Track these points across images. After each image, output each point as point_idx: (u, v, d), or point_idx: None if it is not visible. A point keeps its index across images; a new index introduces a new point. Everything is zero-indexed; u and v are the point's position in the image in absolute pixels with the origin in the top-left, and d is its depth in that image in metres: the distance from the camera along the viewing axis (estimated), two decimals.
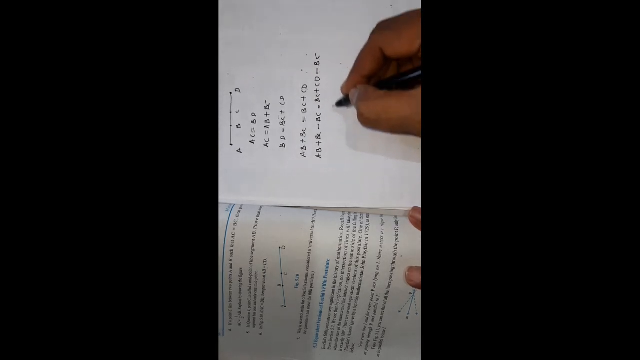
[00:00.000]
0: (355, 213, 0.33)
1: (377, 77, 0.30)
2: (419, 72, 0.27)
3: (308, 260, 0.31)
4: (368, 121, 0.27)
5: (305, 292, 0.33)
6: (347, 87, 0.31)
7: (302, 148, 0.34)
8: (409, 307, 0.33)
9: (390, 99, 0.26)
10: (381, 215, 0.33)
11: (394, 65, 0.30)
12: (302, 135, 0.33)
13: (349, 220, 0.32)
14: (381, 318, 0.34)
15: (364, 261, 0.31)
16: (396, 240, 0.31)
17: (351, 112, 0.33)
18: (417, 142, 0.33)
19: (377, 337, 0.35)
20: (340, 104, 0.32)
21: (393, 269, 0.31)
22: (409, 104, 0.26)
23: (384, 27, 0.28)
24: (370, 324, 0.34)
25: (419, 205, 0.33)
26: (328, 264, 0.32)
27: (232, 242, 0.31)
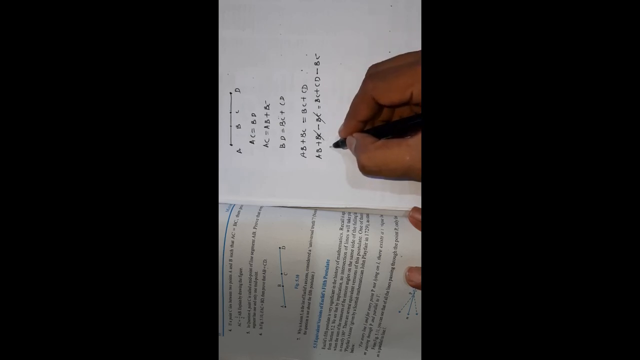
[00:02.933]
0: (355, 213, 0.33)
1: (372, 121, 0.31)
2: (416, 121, 0.27)
3: (308, 261, 0.31)
4: (370, 172, 0.28)
5: (305, 293, 0.33)
6: (344, 132, 0.31)
7: (302, 148, 0.34)
8: (409, 307, 0.33)
9: (389, 150, 0.27)
10: (381, 215, 0.33)
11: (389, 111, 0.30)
12: (302, 135, 0.33)
13: (349, 221, 0.32)
14: (381, 318, 0.34)
15: (364, 261, 0.31)
16: (396, 240, 0.31)
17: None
18: None
19: (377, 338, 0.35)
20: (337, 145, 0.33)
21: (393, 269, 0.31)
22: (408, 153, 0.26)
23: (374, 77, 0.28)
24: (370, 324, 0.34)
25: (419, 205, 0.33)
26: (328, 264, 0.31)
27: (232, 242, 0.31)
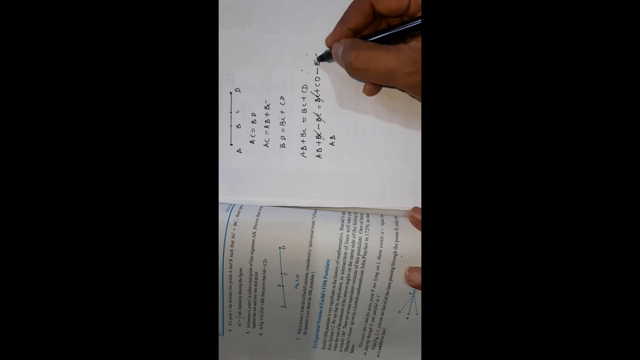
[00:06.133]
0: (355, 213, 0.33)
1: (361, 34, 0.30)
2: (404, 27, 0.27)
3: (308, 261, 0.31)
4: (356, 71, 0.28)
5: (305, 293, 0.33)
6: (331, 39, 0.31)
7: (302, 148, 0.34)
8: (409, 307, 0.33)
9: (378, 50, 0.27)
10: (381, 215, 0.33)
11: (383, 23, 0.30)
12: (302, 135, 0.33)
13: (349, 221, 0.32)
14: (381, 318, 0.34)
15: (364, 261, 0.31)
16: (396, 240, 0.31)
17: (350, 114, 0.33)
18: (417, 137, 0.33)
19: (377, 338, 0.35)
20: (322, 58, 0.32)
21: (393, 269, 0.31)
22: (395, 56, 0.26)
23: None
24: (371, 325, 0.34)
25: (419, 205, 0.33)
26: (328, 264, 0.31)
27: (232, 242, 0.31)
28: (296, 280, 0.32)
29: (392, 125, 0.33)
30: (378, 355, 0.36)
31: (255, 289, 0.33)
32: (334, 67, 0.32)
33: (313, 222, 0.32)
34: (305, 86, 0.33)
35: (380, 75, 0.27)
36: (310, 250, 0.31)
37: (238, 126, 0.34)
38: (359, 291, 0.32)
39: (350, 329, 0.35)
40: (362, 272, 0.32)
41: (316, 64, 0.33)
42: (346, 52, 0.28)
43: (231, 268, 0.32)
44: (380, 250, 0.31)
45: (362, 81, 0.31)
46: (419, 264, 0.31)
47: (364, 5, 0.28)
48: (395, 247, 0.31)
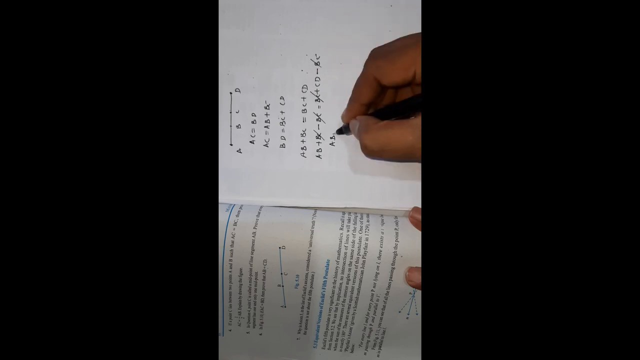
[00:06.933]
0: (355, 213, 0.33)
1: (375, 105, 0.30)
2: (417, 100, 0.27)
3: (308, 261, 0.31)
4: (372, 152, 0.28)
5: (305, 293, 0.33)
6: (347, 117, 0.31)
7: (302, 148, 0.34)
8: (409, 307, 0.33)
9: (392, 130, 0.27)
10: (381, 215, 0.33)
11: (391, 91, 0.30)
12: (302, 135, 0.33)
13: (349, 221, 0.32)
14: (381, 318, 0.34)
15: (364, 261, 0.31)
16: (396, 240, 0.31)
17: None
18: None
19: (377, 338, 0.35)
20: (340, 132, 0.33)
21: (393, 269, 0.31)
22: (411, 133, 0.26)
23: (377, 56, 0.28)
24: (371, 325, 0.34)
25: (419, 205, 0.33)
26: (328, 264, 0.31)
27: (232, 242, 0.31)
28: (296, 280, 0.32)
29: None
30: (378, 355, 0.36)
31: (255, 289, 0.33)
32: (334, 68, 0.32)
33: (313, 222, 0.32)
34: (305, 86, 0.33)
35: (399, 153, 0.27)
36: (310, 250, 0.31)
37: (238, 126, 0.34)
38: (359, 291, 0.32)
39: (350, 329, 0.35)
40: (362, 272, 0.32)
41: (331, 137, 0.33)
42: (360, 135, 0.28)
43: (231, 268, 0.32)
44: (380, 250, 0.31)
45: (382, 160, 0.31)
46: (419, 264, 0.31)
47: (370, 80, 0.28)
48: (395, 247, 0.31)
